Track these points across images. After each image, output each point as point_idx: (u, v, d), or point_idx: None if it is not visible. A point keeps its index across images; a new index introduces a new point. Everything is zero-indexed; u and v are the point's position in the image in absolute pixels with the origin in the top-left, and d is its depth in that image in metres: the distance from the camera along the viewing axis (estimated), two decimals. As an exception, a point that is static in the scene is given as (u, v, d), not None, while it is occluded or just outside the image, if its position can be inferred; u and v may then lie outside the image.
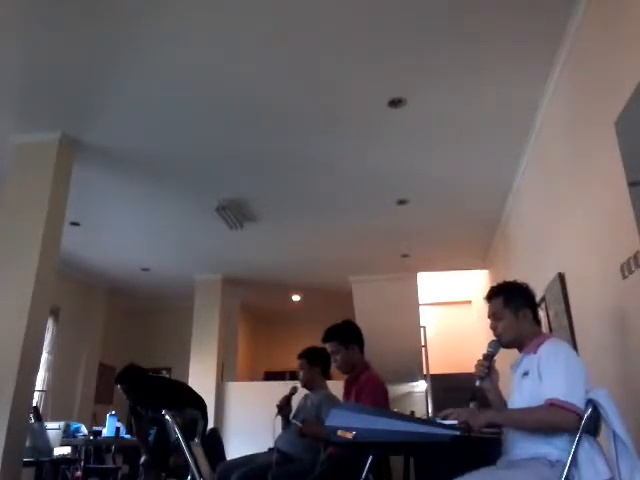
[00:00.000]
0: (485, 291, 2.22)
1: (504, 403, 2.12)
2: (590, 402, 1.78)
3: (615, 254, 2.53)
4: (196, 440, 3.30)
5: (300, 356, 3.37)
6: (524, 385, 1.95)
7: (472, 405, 2.02)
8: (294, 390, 3.25)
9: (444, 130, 4.02)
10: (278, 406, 3.19)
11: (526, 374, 1.95)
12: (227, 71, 3.38)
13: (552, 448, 1.79)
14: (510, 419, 1.90)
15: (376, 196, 5.13)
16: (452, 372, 7.77)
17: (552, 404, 1.76)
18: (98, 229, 5.88)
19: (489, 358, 2.10)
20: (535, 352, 1.96)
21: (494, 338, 2.13)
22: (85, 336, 7.47)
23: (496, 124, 3.92)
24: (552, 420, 1.77)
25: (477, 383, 2.09)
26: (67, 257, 6.33)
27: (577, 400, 1.75)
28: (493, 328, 2.13)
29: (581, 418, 1.74)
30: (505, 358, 2.23)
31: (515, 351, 2.15)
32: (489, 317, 2.15)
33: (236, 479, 2.86)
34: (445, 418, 1.88)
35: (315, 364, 3.31)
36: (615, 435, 1.74)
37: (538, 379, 1.87)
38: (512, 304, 2.07)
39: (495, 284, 2.21)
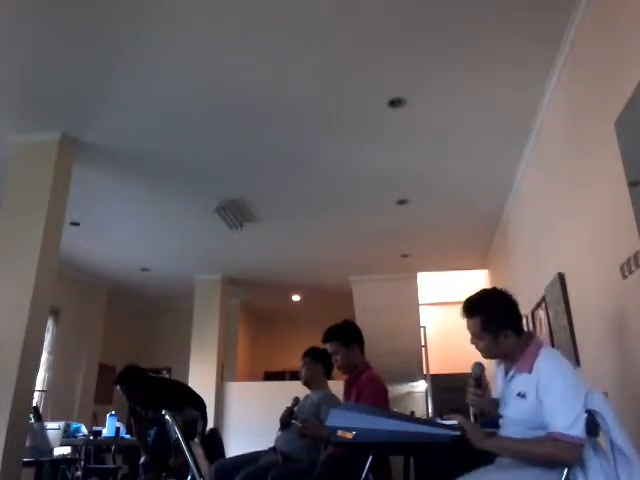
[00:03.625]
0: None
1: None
2: (587, 411, 1.75)
3: (615, 254, 2.53)
4: (196, 440, 3.30)
5: (304, 355, 3.38)
6: (520, 405, 1.87)
7: (472, 409, 2.01)
8: (296, 401, 3.25)
9: (444, 130, 4.02)
10: (281, 421, 3.18)
11: (522, 396, 1.86)
12: (227, 71, 3.37)
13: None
14: (514, 452, 1.84)
15: (376, 196, 5.13)
16: (452, 372, 7.75)
17: (553, 438, 1.72)
18: (98, 229, 5.88)
19: (478, 383, 2.00)
20: (530, 371, 1.86)
21: (476, 361, 2.03)
22: (85, 336, 7.47)
23: (496, 124, 3.92)
24: (557, 456, 1.72)
25: (472, 411, 2.04)
26: (67, 257, 6.33)
27: (579, 430, 1.71)
28: (473, 344, 2.02)
29: (581, 449, 1.71)
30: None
31: None
32: (469, 332, 2.00)
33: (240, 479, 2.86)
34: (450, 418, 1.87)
35: (317, 362, 3.31)
36: (612, 442, 1.72)
37: (537, 402, 1.80)
38: (491, 327, 1.93)
39: (471, 297, 2.04)
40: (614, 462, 1.72)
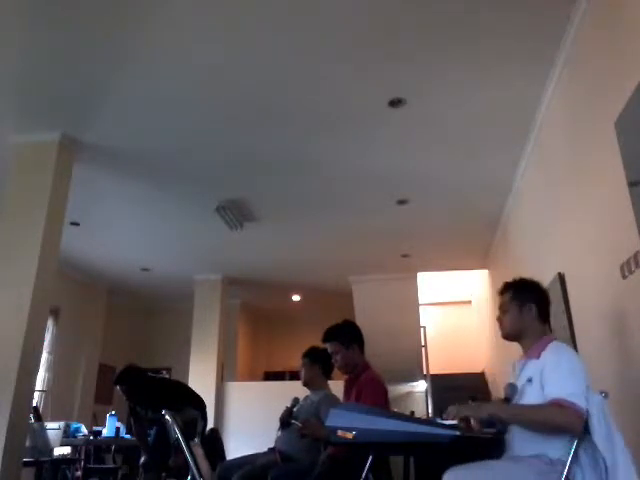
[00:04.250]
0: (485, 291, 2.23)
1: None
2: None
3: (615, 254, 2.53)
4: (196, 440, 3.30)
5: (303, 356, 3.38)
6: (528, 391, 1.93)
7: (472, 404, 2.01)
8: (295, 402, 3.25)
9: (444, 130, 4.02)
10: (281, 420, 3.18)
11: (530, 381, 1.93)
12: (227, 71, 3.38)
13: (552, 448, 1.79)
14: (514, 415, 1.88)
15: (376, 196, 5.13)
16: (452, 372, 7.78)
17: (557, 403, 1.75)
18: (98, 229, 5.88)
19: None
20: (538, 357, 1.95)
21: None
22: (85, 336, 7.46)
23: (496, 124, 3.92)
24: (556, 419, 1.76)
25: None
26: (67, 257, 6.32)
27: (581, 402, 1.74)
28: (499, 321, 2.17)
29: (583, 420, 1.73)
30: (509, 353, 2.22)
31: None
32: (499, 309, 2.19)
33: (237, 479, 2.86)
34: (448, 418, 1.87)
35: (316, 363, 3.31)
36: (595, 446, 1.73)
37: (540, 387, 1.86)
38: (519, 298, 2.11)
39: (511, 280, 2.24)
40: (592, 465, 1.74)
